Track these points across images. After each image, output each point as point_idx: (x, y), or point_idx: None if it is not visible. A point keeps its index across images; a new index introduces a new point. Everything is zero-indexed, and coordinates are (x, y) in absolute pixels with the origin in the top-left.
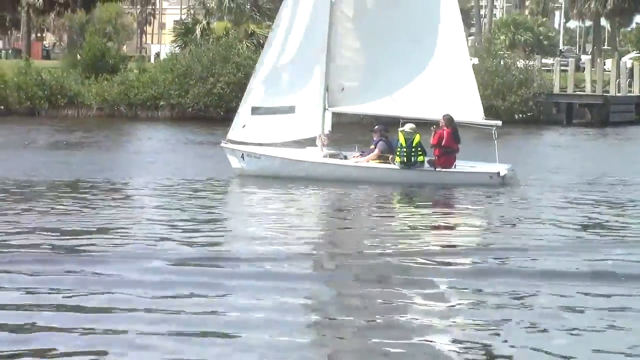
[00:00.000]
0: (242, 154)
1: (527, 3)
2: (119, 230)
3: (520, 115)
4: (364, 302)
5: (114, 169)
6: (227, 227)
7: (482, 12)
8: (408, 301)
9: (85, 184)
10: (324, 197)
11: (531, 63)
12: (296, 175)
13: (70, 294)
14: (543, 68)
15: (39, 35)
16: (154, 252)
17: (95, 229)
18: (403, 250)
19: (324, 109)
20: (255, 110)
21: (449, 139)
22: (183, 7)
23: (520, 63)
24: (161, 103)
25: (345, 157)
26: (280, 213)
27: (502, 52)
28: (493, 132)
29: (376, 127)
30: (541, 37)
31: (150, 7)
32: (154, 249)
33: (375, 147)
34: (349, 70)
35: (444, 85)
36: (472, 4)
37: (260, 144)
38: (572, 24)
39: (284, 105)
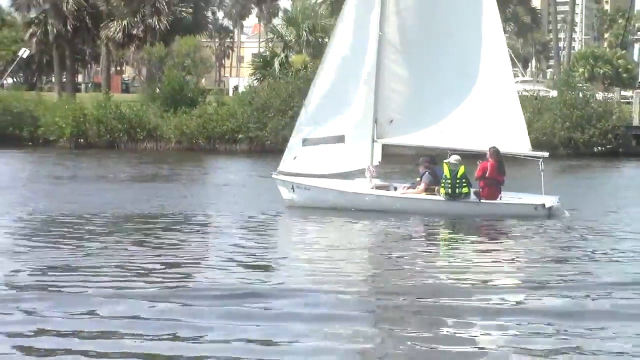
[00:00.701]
0: (292, 186)
1: (606, 35)
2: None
3: (599, 147)
4: (410, 345)
5: (182, 202)
6: (274, 262)
7: (561, 44)
8: (451, 344)
9: (156, 217)
10: (371, 230)
11: (610, 95)
12: (344, 206)
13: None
14: (622, 100)
15: (118, 69)
16: (208, 286)
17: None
18: (449, 288)
19: (373, 141)
20: (305, 142)
21: (493, 171)
22: (261, 40)
23: (599, 95)
24: (239, 136)
25: (395, 189)
26: (328, 246)
27: (580, 85)
28: (540, 163)
29: (421, 159)
30: (620, 70)
31: (229, 40)
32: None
33: (421, 180)
34: (397, 102)
35: (491, 117)
36: (551, 36)
37: (311, 176)
38: None
39: (333, 135)
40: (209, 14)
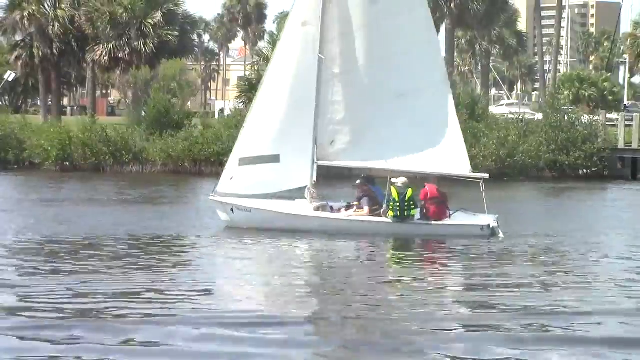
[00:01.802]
0: (232, 207)
1: (591, 58)
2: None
3: (585, 170)
4: None
5: (155, 224)
6: (212, 287)
7: (547, 67)
8: None
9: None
10: (314, 252)
11: (596, 118)
12: (287, 228)
13: None
14: (607, 123)
15: (104, 92)
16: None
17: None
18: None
19: (313, 162)
20: (241, 161)
21: (433, 190)
22: (247, 63)
23: (585, 118)
24: (225, 159)
25: (332, 208)
26: (266, 271)
27: (566, 108)
28: (480, 184)
29: (357, 182)
30: (605, 93)
31: (215, 63)
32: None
33: (359, 202)
34: (338, 124)
35: (431, 140)
36: (537, 59)
37: (249, 197)
38: (637, 79)
39: (268, 155)
40: (195, 37)
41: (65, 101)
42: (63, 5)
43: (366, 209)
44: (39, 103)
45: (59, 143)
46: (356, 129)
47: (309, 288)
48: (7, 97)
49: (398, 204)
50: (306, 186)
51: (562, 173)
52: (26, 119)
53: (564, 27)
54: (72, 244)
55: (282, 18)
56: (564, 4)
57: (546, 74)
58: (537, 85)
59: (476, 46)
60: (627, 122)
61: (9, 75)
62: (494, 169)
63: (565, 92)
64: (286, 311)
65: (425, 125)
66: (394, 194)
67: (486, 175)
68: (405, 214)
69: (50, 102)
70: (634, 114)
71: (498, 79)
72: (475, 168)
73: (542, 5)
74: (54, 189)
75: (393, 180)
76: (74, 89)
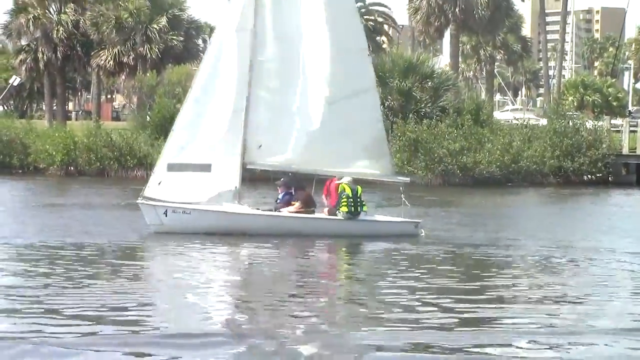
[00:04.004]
0: (166, 210)
1: (596, 64)
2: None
3: (589, 176)
4: None
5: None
6: (153, 298)
7: (551, 72)
8: None
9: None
10: (263, 255)
11: (600, 124)
12: (231, 230)
13: None
14: (612, 129)
15: (108, 96)
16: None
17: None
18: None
19: (242, 165)
20: (170, 167)
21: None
22: None
23: (589, 124)
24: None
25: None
26: (209, 278)
27: (570, 113)
28: (400, 189)
29: (281, 180)
30: (610, 98)
31: None
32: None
33: (279, 200)
34: (265, 128)
35: (359, 145)
36: (542, 65)
37: (174, 202)
38: None
39: (200, 163)
40: (200, 42)
41: (70, 106)
42: (68, 10)
43: (299, 204)
44: (44, 108)
45: (64, 148)
46: (285, 133)
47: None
48: (12, 102)
49: (352, 200)
50: (233, 189)
51: (566, 179)
52: (31, 124)
53: (568, 33)
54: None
55: None
56: (568, 9)
57: (551, 80)
58: (541, 90)
59: (480, 51)
60: (631, 128)
61: (14, 80)
62: (498, 174)
63: (570, 98)
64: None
65: (353, 131)
66: (347, 190)
67: (407, 180)
68: (359, 209)
69: (55, 107)
70: (639, 120)
71: (502, 84)
72: (479, 174)
73: (546, 11)
74: (54, 194)
75: (342, 180)
76: (79, 93)
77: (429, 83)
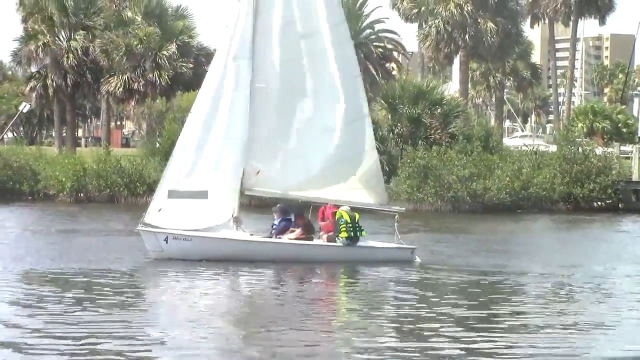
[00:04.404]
0: (167, 237)
1: (605, 91)
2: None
3: (599, 202)
4: None
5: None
6: (150, 328)
7: (561, 99)
8: None
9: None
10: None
11: (610, 150)
12: (233, 257)
13: None
14: (622, 155)
15: (118, 123)
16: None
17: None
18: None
19: (239, 191)
20: (170, 194)
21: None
22: None
23: (599, 150)
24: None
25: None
26: (208, 306)
27: (580, 140)
28: (395, 218)
29: (278, 206)
30: (620, 125)
31: None
32: None
33: (276, 226)
34: (264, 154)
35: (353, 173)
36: (551, 91)
37: (173, 230)
38: None
39: (197, 190)
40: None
41: (80, 132)
42: (77, 37)
43: (299, 230)
44: (53, 134)
45: (74, 174)
46: (282, 160)
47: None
48: (22, 129)
49: (351, 225)
50: (231, 215)
51: (576, 205)
52: (41, 150)
53: (578, 60)
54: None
55: None
56: (578, 36)
57: (560, 106)
58: (551, 117)
59: (490, 78)
60: None
61: (24, 107)
62: (508, 201)
63: (580, 124)
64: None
65: (348, 159)
66: (345, 216)
67: (402, 209)
68: (358, 234)
69: (64, 134)
70: None
71: (512, 111)
72: (489, 200)
73: (556, 38)
74: (62, 221)
75: (341, 206)
76: (89, 120)
77: (439, 110)
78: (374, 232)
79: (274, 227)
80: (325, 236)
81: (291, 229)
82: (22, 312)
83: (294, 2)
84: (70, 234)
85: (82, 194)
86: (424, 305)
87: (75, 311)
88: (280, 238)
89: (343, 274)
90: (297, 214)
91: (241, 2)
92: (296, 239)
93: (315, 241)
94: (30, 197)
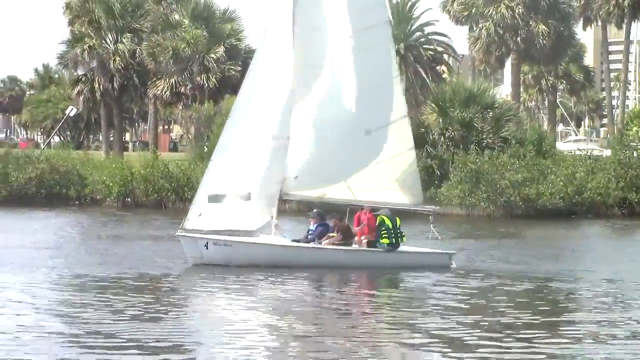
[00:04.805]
0: (207, 243)
1: None
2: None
3: None
4: None
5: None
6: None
7: (614, 102)
8: None
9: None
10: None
11: None
12: (274, 262)
13: None
14: None
15: (166, 127)
16: None
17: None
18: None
19: (280, 197)
20: (211, 198)
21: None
22: None
23: None
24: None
25: (297, 241)
26: (249, 314)
27: (635, 144)
28: (430, 218)
29: (314, 211)
30: None
31: None
32: None
33: (312, 232)
34: (302, 158)
35: (391, 174)
36: (605, 94)
37: (216, 233)
38: None
39: (239, 193)
40: None
41: (127, 137)
42: (124, 40)
43: (339, 235)
44: (100, 138)
45: (121, 179)
46: (320, 163)
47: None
48: (68, 133)
49: (392, 231)
50: (270, 220)
51: (631, 210)
52: (88, 155)
53: (631, 62)
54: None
55: None
56: (631, 38)
57: (614, 110)
58: (605, 121)
59: (542, 81)
60: None
61: (71, 111)
62: (561, 206)
63: (634, 128)
64: None
65: (386, 161)
66: (387, 222)
67: (436, 208)
68: (399, 240)
69: (112, 138)
70: None
71: (565, 114)
72: (542, 205)
73: (609, 40)
74: (110, 226)
75: (380, 211)
76: (136, 124)
77: (490, 113)
78: (413, 235)
79: (310, 232)
80: (365, 241)
81: (329, 234)
82: (59, 319)
83: (334, 1)
84: (117, 239)
85: (129, 199)
86: (473, 314)
87: (117, 320)
88: (320, 243)
89: (384, 281)
90: (336, 218)
91: (281, 2)
92: (335, 244)
93: (355, 247)
94: (77, 202)
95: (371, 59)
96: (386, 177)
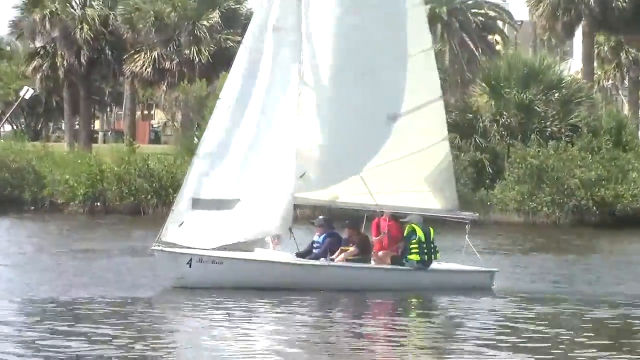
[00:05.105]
0: (190, 260)
1: None
2: None
3: None
4: None
5: None
6: None
7: None
8: None
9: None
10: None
11: None
12: (275, 283)
13: None
14: None
15: (145, 113)
16: None
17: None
18: None
19: (289, 201)
20: (196, 204)
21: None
22: None
23: None
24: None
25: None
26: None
27: None
28: (466, 227)
29: (320, 218)
30: None
31: None
32: None
33: (318, 245)
34: (310, 152)
35: (417, 171)
36: None
37: (199, 249)
38: None
39: (232, 198)
40: None
41: (97, 125)
42: (94, 3)
43: (355, 249)
44: (63, 127)
45: (88, 178)
46: (332, 159)
47: None
48: (23, 120)
49: (425, 246)
50: (278, 231)
51: None
52: (47, 148)
53: None
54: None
55: None
56: None
57: None
58: None
59: (622, 55)
60: None
61: (26, 92)
62: None
63: None
64: None
65: (413, 155)
66: (419, 233)
67: (475, 215)
68: (432, 257)
69: (77, 126)
70: None
71: None
72: (621, 210)
73: None
74: (74, 238)
75: (409, 218)
76: (108, 109)
77: (556, 94)
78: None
79: (316, 245)
80: (387, 257)
81: (342, 248)
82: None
83: None
84: (85, 255)
85: (98, 204)
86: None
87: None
88: (332, 259)
89: (409, 302)
90: (352, 226)
91: None
92: (349, 259)
93: (379, 264)
94: (32, 208)
95: (397, 26)
96: (413, 175)
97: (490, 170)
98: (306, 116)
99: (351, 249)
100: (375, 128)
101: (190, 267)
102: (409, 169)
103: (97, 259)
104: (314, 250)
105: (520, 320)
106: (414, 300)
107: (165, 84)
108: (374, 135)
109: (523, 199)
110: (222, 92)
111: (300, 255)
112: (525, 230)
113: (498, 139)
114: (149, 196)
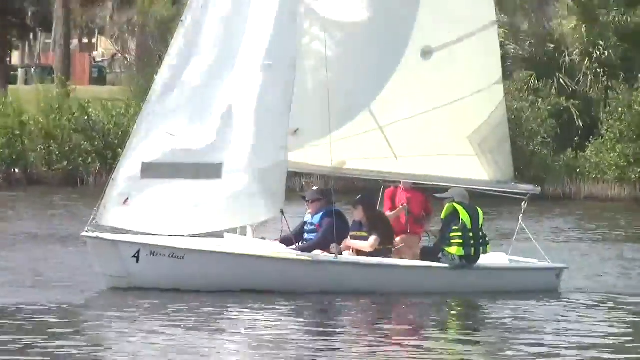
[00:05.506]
0: (138, 251)
1: None
2: None
3: None
4: None
5: None
6: None
7: None
8: None
9: None
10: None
11: None
12: (257, 284)
13: None
14: None
15: (85, 42)
16: None
17: None
18: None
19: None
20: (148, 170)
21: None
22: None
23: None
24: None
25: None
26: None
27: None
28: (522, 204)
29: (312, 190)
30: None
31: None
32: None
33: (310, 225)
34: (310, 104)
35: (457, 128)
36: None
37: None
38: None
39: (203, 162)
40: None
41: (15, 58)
42: None
43: (373, 241)
44: None
45: (3, 134)
46: (340, 109)
47: None
48: None
49: (471, 234)
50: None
51: None
52: None
53: None
54: None
55: None
56: None
57: None
58: None
59: None
60: None
61: None
62: None
63: None
64: None
65: (452, 105)
66: (463, 215)
67: (537, 188)
68: (480, 250)
69: None
70: None
71: None
72: None
73: None
74: None
75: (447, 194)
76: (31, 36)
77: None
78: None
79: (309, 227)
80: (410, 244)
81: (352, 233)
82: None
83: None
84: None
85: (17, 170)
86: None
87: None
88: (339, 251)
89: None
90: (367, 205)
91: None
92: (371, 252)
93: (405, 260)
94: None
95: None
96: (451, 132)
97: (581, 124)
98: (306, 50)
99: (371, 238)
100: (401, 67)
101: (137, 261)
102: (446, 125)
103: (14, 249)
104: (307, 236)
105: (595, 334)
106: (451, 302)
107: (114, 1)
108: (399, 78)
109: (627, 164)
110: (184, 14)
111: (285, 241)
112: (629, 208)
113: (591, 79)
114: (89, 159)
